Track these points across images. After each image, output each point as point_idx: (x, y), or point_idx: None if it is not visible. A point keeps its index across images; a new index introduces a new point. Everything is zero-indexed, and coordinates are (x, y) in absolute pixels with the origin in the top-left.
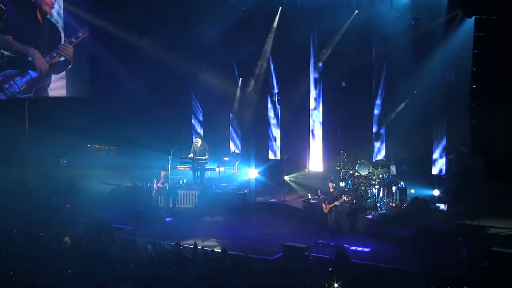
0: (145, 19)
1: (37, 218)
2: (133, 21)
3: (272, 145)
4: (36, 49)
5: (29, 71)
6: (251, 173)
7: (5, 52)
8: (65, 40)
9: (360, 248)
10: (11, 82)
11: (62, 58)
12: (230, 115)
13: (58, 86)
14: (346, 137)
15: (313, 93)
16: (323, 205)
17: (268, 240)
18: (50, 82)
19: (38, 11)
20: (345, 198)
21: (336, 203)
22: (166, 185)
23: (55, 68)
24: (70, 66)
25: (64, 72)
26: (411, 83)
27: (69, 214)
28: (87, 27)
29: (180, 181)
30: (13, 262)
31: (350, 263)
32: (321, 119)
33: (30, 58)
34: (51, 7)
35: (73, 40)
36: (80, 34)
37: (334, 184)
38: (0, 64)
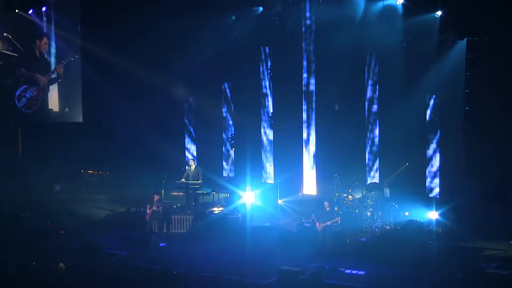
0: (137, 44)
1: (31, 244)
2: (125, 46)
3: (266, 168)
4: (37, 74)
5: (36, 85)
6: (246, 197)
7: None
8: (56, 64)
9: (354, 271)
10: (28, 91)
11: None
12: (223, 138)
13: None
14: (339, 160)
15: (306, 115)
16: (317, 224)
17: (263, 264)
18: (49, 89)
19: (37, 51)
20: (338, 220)
21: (328, 222)
22: (161, 208)
23: (50, 82)
24: (60, 80)
25: (56, 97)
26: (405, 104)
27: (63, 240)
28: (72, 53)
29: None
30: None
31: (322, 282)
32: (314, 142)
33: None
34: (46, 47)
35: (63, 62)
36: (63, 61)
37: (329, 203)
38: (20, 82)
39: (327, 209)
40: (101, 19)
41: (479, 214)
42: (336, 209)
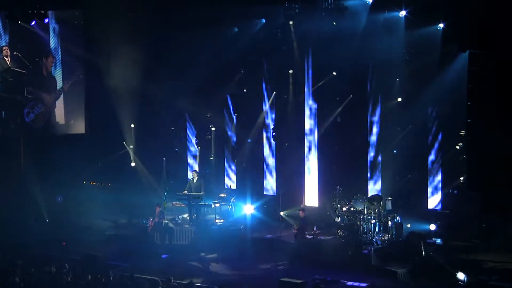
0: (139, 56)
1: (33, 255)
2: (126, 57)
3: (268, 181)
4: (44, 92)
5: (43, 102)
6: (247, 209)
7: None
8: (63, 83)
9: (356, 283)
10: (36, 107)
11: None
12: (225, 150)
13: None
14: (341, 172)
15: (308, 128)
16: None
17: (265, 275)
18: (56, 105)
19: (44, 69)
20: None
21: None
22: (163, 220)
23: (56, 98)
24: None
25: (62, 110)
26: (406, 117)
27: (65, 251)
28: (77, 73)
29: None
30: None
31: None
32: (316, 154)
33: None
34: (52, 65)
35: (69, 81)
36: (69, 81)
37: (303, 212)
38: (28, 99)
39: (301, 216)
40: (104, 31)
41: (480, 226)
42: (338, 220)
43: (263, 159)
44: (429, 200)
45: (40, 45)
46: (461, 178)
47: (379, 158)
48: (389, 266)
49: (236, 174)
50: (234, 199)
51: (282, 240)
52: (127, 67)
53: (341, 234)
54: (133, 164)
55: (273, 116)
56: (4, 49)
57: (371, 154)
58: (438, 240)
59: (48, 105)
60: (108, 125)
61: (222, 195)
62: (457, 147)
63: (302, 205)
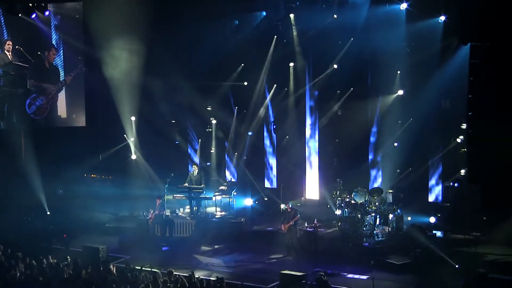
0: (138, 47)
1: (35, 248)
2: (125, 49)
3: (269, 173)
4: (46, 83)
5: (45, 94)
6: (248, 202)
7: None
8: (65, 76)
9: (357, 276)
10: (38, 99)
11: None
12: (226, 144)
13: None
14: (342, 165)
15: (309, 121)
16: (282, 226)
17: (265, 268)
18: (58, 97)
19: (46, 61)
20: (297, 219)
21: (291, 222)
22: (164, 212)
23: (58, 90)
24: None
25: (64, 104)
26: (407, 110)
27: (66, 243)
28: (80, 66)
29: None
30: None
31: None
32: (317, 147)
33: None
34: (54, 57)
35: (72, 74)
36: (72, 73)
37: (290, 204)
38: (30, 91)
39: (288, 210)
40: (104, 25)
41: (481, 219)
42: (338, 212)
43: (264, 152)
44: (429, 193)
45: (41, 38)
46: (462, 171)
47: (380, 151)
48: (390, 258)
49: (237, 167)
50: (235, 192)
51: (282, 232)
52: (128, 60)
53: (342, 227)
54: (133, 156)
55: (274, 109)
56: (7, 44)
57: (372, 147)
58: (439, 233)
59: (50, 97)
60: (109, 118)
61: (222, 187)
62: (458, 140)
63: (303, 198)
